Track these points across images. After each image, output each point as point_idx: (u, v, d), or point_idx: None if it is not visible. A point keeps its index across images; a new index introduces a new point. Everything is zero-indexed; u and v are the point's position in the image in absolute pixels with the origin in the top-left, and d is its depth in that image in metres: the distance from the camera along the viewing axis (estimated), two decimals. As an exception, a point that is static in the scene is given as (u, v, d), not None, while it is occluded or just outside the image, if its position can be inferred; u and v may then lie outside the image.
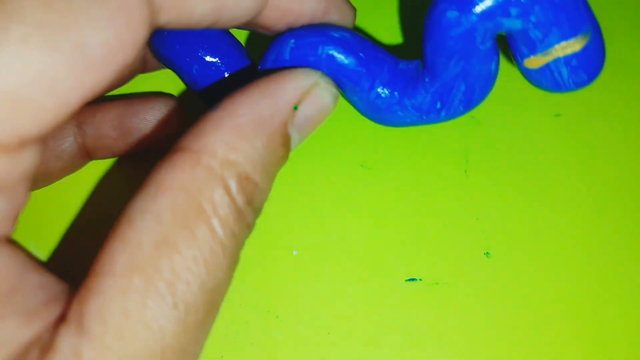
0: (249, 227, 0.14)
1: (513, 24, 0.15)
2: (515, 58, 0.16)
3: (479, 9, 0.15)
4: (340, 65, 0.16)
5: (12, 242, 0.12)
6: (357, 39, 0.16)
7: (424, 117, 0.17)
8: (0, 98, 0.10)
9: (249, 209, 0.13)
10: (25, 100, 0.11)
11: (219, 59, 0.18)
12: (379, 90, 0.17)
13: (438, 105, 0.17)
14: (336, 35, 0.16)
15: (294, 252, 0.21)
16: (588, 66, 0.16)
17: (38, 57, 0.10)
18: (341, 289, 0.21)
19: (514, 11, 0.15)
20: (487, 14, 0.15)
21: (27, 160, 0.12)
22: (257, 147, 0.13)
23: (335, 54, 0.16)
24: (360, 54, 0.16)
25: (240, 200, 0.13)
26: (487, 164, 0.22)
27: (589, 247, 0.21)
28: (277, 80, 0.14)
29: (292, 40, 0.16)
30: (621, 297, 0.21)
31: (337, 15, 0.17)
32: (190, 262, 0.12)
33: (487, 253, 0.21)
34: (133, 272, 0.12)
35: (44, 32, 0.10)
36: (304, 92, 0.14)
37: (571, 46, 0.15)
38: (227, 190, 0.13)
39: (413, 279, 0.21)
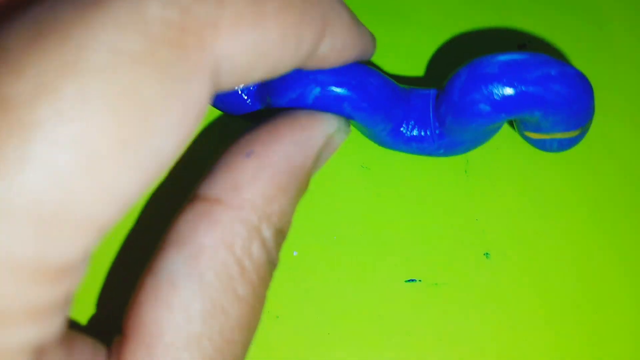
0: (272, 276, 0.14)
1: (532, 119, 0.16)
2: (516, 125, 0.19)
3: (508, 111, 0.16)
4: (362, 114, 0.16)
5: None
6: (379, 85, 0.16)
7: (426, 154, 0.19)
8: (70, 229, 0.09)
9: (277, 258, 0.14)
10: (97, 224, 0.09)
11: None
12: (391, 131, 0.18)
13: (441, 152, 0.19)
14: (359, 85, 0.16)
15: (294, 253, 0.21)
16: (573, 143, 0.18)
17: (118, 179, 0.09)
18: (341, 289, 0.21)
19: (537, 113, 0.16)
20: (516, 112, 0.16)
21: (78, 276, 0.10)
22: (290, 198, 0.13)
23: (359, 105, 0.16)
24: (381, 102, 0.17)
25: (274, 253, 0.13)
26: (488, 164, 0.22)
27: (589, 248, 0.21)
28: (307, 128, 0.14)
29: (318, 89, 0.16)
30: (623, 298, 0.21)
31: (365, 55, 0.17)
32: (235, 323, 0.12)
33: (487, 254, 0.21)
34: (187, 344, 0.12)
35: (124, 149, 0.09)
36: (329, 138, 0.15)
37: (570, 134, 0.17)
38: (264, 245, 0.13)
39: (413, 280, 0.21)
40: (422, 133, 0.18)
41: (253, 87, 0.18)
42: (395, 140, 0.18)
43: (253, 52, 0.11)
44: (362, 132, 0.19)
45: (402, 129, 0.18)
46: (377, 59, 0.23)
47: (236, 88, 0.13)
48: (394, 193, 0.22)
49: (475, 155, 0.22)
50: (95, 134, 0.08)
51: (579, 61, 0.23)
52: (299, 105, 0.16)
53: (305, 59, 0.13)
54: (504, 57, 0.16)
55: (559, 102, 0.16)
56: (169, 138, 0.10)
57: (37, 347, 0.10)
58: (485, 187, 0.22)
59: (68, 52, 0.08)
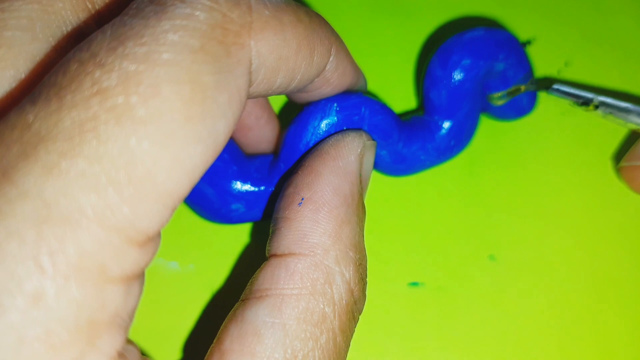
0: (359, 314, 0.14)
1: (499, 65, 0.19)
2: (490, 101, 0.21)
3: (484, 55, 0.19)
4: (379, 119, 0.17)
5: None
6: (382, 104, 0.18)
7: (440, 157, 0.20)
8: (155, 196, 0.10)
9: (363, 295, 0.14)
10: (174, 194, 0.11)
11: None
12: (404, 140, 0.19)
13: (452, 143, 0.19)
14: (367, 96, 0.17)
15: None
16: (534, 97, 0.21)
17: (186, 151, 0.11)
18: (343, 293, 0.21)
19: (500, 56, 0.19)
20: (489, 58, 0.19)
21: (156, 248, 0.12)
22: (354, 227, 0.14)
23: (375, 110, 0.17)
24: (391, 112, 0.18)
25: (357, 292, 0.14)
26: (493, 165, 0.22)
27: (595, 250, 0.21)
28: (340, 155, 0.15)
29: (335, 104, 0.17)
30: (630, 301, 0.21)
31: (359, 87, 0.18)
32: None
33: (492, 256, 0.21)
34: None
35: (190, 125, 0.11)
36: (361, 156, 0.15)
37: (526, 87, 0.20)
38: (345, 283, 0.13)
39: (415, 283, 0.21)
40: (429, 131, 0.19)
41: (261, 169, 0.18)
42: (413, 150, 0.19)
43: (277, 54, 0.13)
44: (379, 159, 0.19)
45: (414, 136, 0.19)
46: (376, 51, 0.23)
47: (261, 95, 0.14)
48: (397, 195, 0.21)
49: (480, 157, 0.22)
50: (167, 113, 0.10)
51: (582, 58, 0.23)
52: (322, 131, 0.17)
53: (316, 74, 0.15)
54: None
55: (510, 42, 0.19)
56: (221, 119, 0.11)
57: (120, 318, 0.11)
58: (490, 189, 0.22)
59: (143, 49, 0.10)
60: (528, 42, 0.23)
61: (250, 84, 0.12)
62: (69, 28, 0.13)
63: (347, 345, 0.14)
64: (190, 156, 0.11)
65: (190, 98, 0.10)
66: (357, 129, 0.17)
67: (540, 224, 0.21)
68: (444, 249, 0.21)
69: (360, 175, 0.15)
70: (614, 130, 0.22)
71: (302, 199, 0.14)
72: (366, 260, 0.15)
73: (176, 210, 0.11)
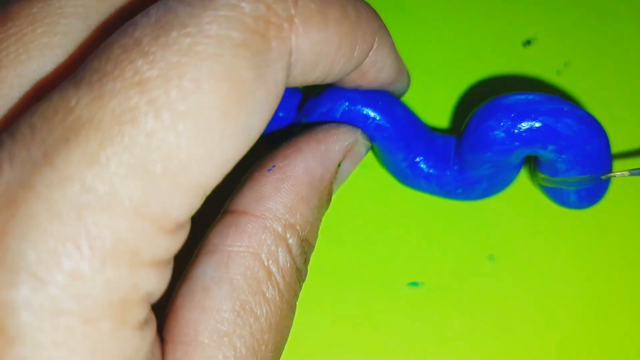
0: (302, 283, 0.15)
1: (546, 155, 0.17)
2: (533, 172, 0.19)
3: (524, 140, 0.16)
4: (385, 137, 0.17)
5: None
6: (404, 114, 0.18)
7: (443, 194, 0.19)
8: (188, 187, 0.11)
9: (305, 268, 0.15)
10: (205, 185, 0.11)
11: None
12: (412, 163, 0.18)
13: (459, 191, 0.19)
14: (386, 108, 0.17)
15: (293, 256, 0.21)
16: (592, 197, 0.18)
17: (221, 146, 0.11)
18: (342, 292, 0.20)
19: (551, 147, 0.16)
20: (530, 145, 0.16)
21: (185, 234, 0.12)
22: (312, 208, 0.14)
23: (383, 126, 0.17)
24: (405, 129, 0.18)
25: (299, 261, 0.14)
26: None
27: (596, 249, 0.21)
28: (326, 141, 0.15)
29: (347, 104, 0.17)
30: (628, 302, 0.21)
31: (398, 85, 0.18)
32: (264, 324, 0.13)
33: (491, 256, 0.21)
34: (220, 342, 0.12)
35: (227, 121, 0.11)
36: (345, 150, 0.16)
37: (584, 183, 0.17)
38: (289, 251, 0.14)
39: (415, 284, 0.20)
40: (442, 169, 0.19)
41: (287, 102, 0.19)
42: (414, 174, 0.18)
43: (317, 50, 0.13)
44: (384, 163, 0.19)
45: (421, 164, 0.18)
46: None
47: (297, 85, 0.14)
48: (397, 195, 0.21)
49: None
50: (205, 109, 0.10)
51: (581, 58, 0.23)
52: (327, 119, 0.17)
53: (354, 68, 0.14)
54: (519, 95, 0.17)
55: (571, 136, 0.16)
56: (256, 114, 0.11)
57: (151, 298, 0.11)
58: (489, 188, 0.22)
59: (186, 40, 0.10)
60: (528, 42, 0.23)
61: (287, 77, 0.12)
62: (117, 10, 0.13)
63: (293, 309, 0.14)
64: (223, 150, 0.11)
65: (229, 95, 0.11)
66: (356, 127, 0.17)
67: (540, 224, 0.21)
68: (443, 249, 0.21)
69: (339, 166, 0.15)
70: (614, 130, 0.22)
71: (274, 166, 0.14)
72: (312, 248, 0.15)
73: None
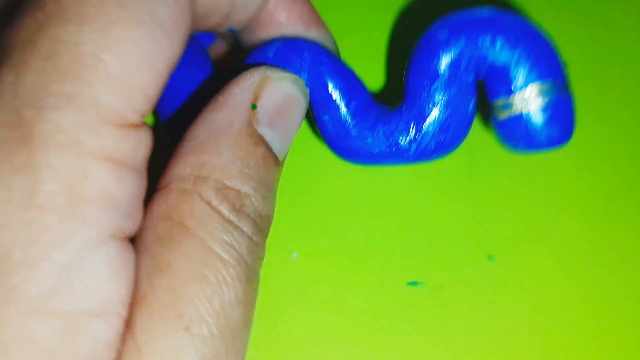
0: (250, 239, 0.13)
1: (497, 56, 0.15)
2: (491, 109, 0.17)
3: (468, 33, 0.15)
4: (322, 72, 0.16)
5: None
6: (338, 59, 0.17)
7: (394, 148, 0.17)
8: (115, 78, 0.11)
9: (241, 217, 0.13)
10: (132, 76, 0.11)
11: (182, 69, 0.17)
12: (354, 109, 0.16)
13: (411, 134, 0.16)
14: (320, 47, 0.16)
15: (294, 255, 0.21)
16: (562, 121, 0.16)
17: (131, 34, 0.11)
18: (341, 292, 0.21)
19: (499, 42, 0.15)
20: (475, 38, 0.15)
21: (147, 140, 0.12)
22: (225, 155, 0.13)
23: (319, 58, 0.16)
24: (344, 69, 0.16)
25: (224, 208, 0.13)
26: (491, 164, 0.22)
27: (594, 249, 0.21)
28: (224, 90, 0.14)
29: (281, 42, 0.16)
30: (627, 300, 0.21)
31: (316, 33, 0.17)
32: (197, 287, 0.12)
33: (490, 256, 0.21)
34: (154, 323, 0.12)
35: (127, 9, 0.11)
36: (256, 89, 0.14)
37: (544, 93, 0.15)
38: (207, 203, 0.13)
39: (414, 283, 0.21)
40: (388, 114, 0.17)
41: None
42: (361, 125, 0.17)
43: None
44: (323, 125, 0.17)
45: (366, 110, 0.17)
46: (373, 32, 0.23)
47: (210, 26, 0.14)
48: (396, 195, 0.21)
49: (479, 157, 0.22)
50: (102, 5, 0.11)
51: (581, 59, 0.23)
52: (260, 61, 0.16)
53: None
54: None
55: (517, 27, 0.15)
56: (162, 5, 0.12)
57: (116, 203, 0.12)
58: (489, 189, 0.22)
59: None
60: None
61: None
62: None
63: (237, 266, 0.13)
64: (133, 38, 0.11)
65: None
66: (272, 66, 0.16)
67: (539, 223, 0.21)
68: (442, 248, 0.21)
69: (254, 108, 0.14)
70: (613, 130, 0.22)
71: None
72: (253, 200, 0.14)
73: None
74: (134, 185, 0.12)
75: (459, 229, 0.21)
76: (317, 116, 0.17)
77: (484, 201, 0.21)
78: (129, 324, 0.12)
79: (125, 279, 0.12)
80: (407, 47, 0.20)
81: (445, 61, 0.16)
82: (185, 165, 0.13)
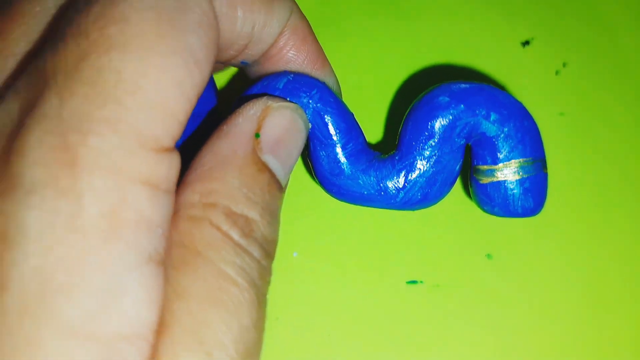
0: (260, 263, 0.14)
1: (489, 128, 0.17)
2: (471, 176, 0.18)
3: (467, 102, 0.17)
4: (327, 111, 0.17)
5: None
6: (345, 106, 0.18)
7: (382, 193, 0.18)
8: (153, 105, 0.12)
9: (250, 242, 0.14)
10: (168, 103, 0.12)
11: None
12: (350, 150, 0.17)
13: (400, 182, 0.17)
14: (330, 89, 0.17)
15: (294, 254, 0.21)
16: (537, 195, 0.17)
17: (167, 63, 0.12)
18: (341, 291, 0.21)
19: (493, 116, 0.17)
20: (473, 108, 0.17)
21: (177, 163, 0.13)
22: (231, 183, 0.14)
23: (326, 98, 0.17)
24: (346, 112, 0.17)
25: (234, 233, 0.13)
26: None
27: (592, 248, 0.21)
28: (229, 120, 0.15)
29: (292, 75, 0.17)
30: (625, 300, 0.21)
31: (322, 73, 0.18)
32: (208, 306, 0.12)
33: (489, 255, 0.21)
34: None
35: (164, 40, 0.12)
36: (258, 118, 0.15)
37: (526, 167, 0.17)
38: (217, 228, 0.13)
39: (414, 281, 0.21)
40: (381, 161, 0.18)
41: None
42: (354, 167, 0.17)
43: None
44: (316, 160, 0.18)
45: (362, 153, 0.18)
46: (377, 45, 0.23)
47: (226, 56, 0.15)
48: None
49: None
50: (140, 35, 0.12)
51: (580, 59, 0.23)
52: (268, 91, 0.17)
53: (274, 32, 0.16)
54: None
55: (510, 107, 0.17)
56: (192, 34, 0.13)
57: (152, 225, 0.12)
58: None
59: None
60: (526, 43, 0.23)
61: (212, 4, 0.14)
62: None
63: (247, 289, 0.13)
64: (169, 67, 0.12)
65: (157, 20, 0.12)
66: (277, 96, 0.16)
67: (537, 223, 0.21)
68: (442, 247, 0.21)
69: (257, 136, 0.15)
70: (612, 130, 0.23)
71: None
72: (261, 226, 0.14)
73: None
74: (167, 207, 0.12)
75: (458, 228, 0.21)
76: (313, 151, 0.18)
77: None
78: (154, 350, 0.12)
79: (157, 304, 0.12)
80: (404, 104, 0.21)
81: (442, 122, 0.17)
82: (193, 193, 0.13)
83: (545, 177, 0.17)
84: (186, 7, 0.13)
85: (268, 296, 0.14)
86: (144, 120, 0.12)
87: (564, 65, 0.23)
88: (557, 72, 0.23)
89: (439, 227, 0.21)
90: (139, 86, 0.12)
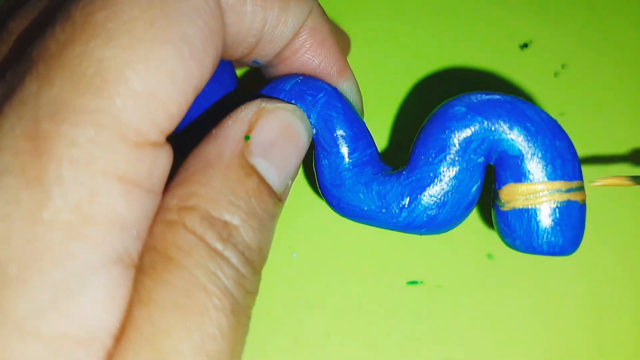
0: (237, 271, 0.13)
1: (511, 146, 0.15)
2: (493, 202, 0.16)
3: (486, 114, 0.15)
4: (332, 117, 0.16)
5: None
6: (356, 113, 0.16)
7: (383, 211, 0.16)
8: (137, 95, 0.11)
9: (227, 246, 0.13)
10: (155, 94, 0.11)
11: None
12: (355, 161, 0.16)
13: (405, 200, 0.15)
14: (341, 94, 0.16)
15: (294, 255, 0.21)
16: (568, 229, 0.15)
17: (157, 52, 0.11)
18: (341, 291, 0.21)
19: (517, 132, 0.14)
20: (492, 121, 0.15)
21: (166, 160, 0.12)
22: (212, 186, 0.13)
23: (333, 102, 0.16)
24: (355, 120, 0.16)
25: (209, 237, 0.12)
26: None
27: (592, 248, 0.21)
28: (220, 123, 0.14)
29: (301, 77, 0.16)
30: (624, 299, 0.21)
31: (342, 83, 0.17)
32: (176, 311, 0.12)
33: (489, 255, 0.21)
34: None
35: (155, 28, 0.11)
36: (250, 120, 0.14)
37: (555, 194, 0.14)
38: (192, 232, 0.12)
39: (414, 282, 0.21)
40: (387, 176, 0.16)
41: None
42: (356, 179, 0.16)
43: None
44: (319, 169, 0.17)
45: (366, 165, 0.16)
46: (375, 57, 0.23)
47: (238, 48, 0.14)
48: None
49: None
50: (131, 21, 0.11)
51: (579, 60, 0.23)
52: (274, 95, 0.16)
53: (289, 32, 0.15)
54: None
55: (538, 121, 0.14)
56: (189, 24, 0.12)
57: (124, 222, 0.11)
58: (488, 189, 0.22)
59: None
60: (525, 45, 0.23)
61: (221, 5, 0.13)
62: None
63: (222, 295, 0.13)
64: (159, 56, 0.11)
65: (149, 7, 0.11)
66: (274, 98, 0.15)
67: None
68: (442, 248, 0.21)
69: (247, 139, 0.14)
70: (612, 131, 0.23)
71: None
72: (242, 231, 0.13)
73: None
74: (146, 207, 0.12)
75: (459, 228, 0.21)
76: (317, 158, 0.17)
77: (483, 201, 0.22)
78: (109, 355, 0.11)
79: (119, 309, 0.11)
80: (409, 113, 0.20)
81: (456, 135, 0.15)
82: (172, 197, 0.13)
83: (581, 208, 0.15)
84: None
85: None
86: (126, 111, 0.11)
87: (563, 67, 0.23)
88: (556, 74, 0.23)
89: (439, 228, 0.21)
90: (123, 75, 0.11)
